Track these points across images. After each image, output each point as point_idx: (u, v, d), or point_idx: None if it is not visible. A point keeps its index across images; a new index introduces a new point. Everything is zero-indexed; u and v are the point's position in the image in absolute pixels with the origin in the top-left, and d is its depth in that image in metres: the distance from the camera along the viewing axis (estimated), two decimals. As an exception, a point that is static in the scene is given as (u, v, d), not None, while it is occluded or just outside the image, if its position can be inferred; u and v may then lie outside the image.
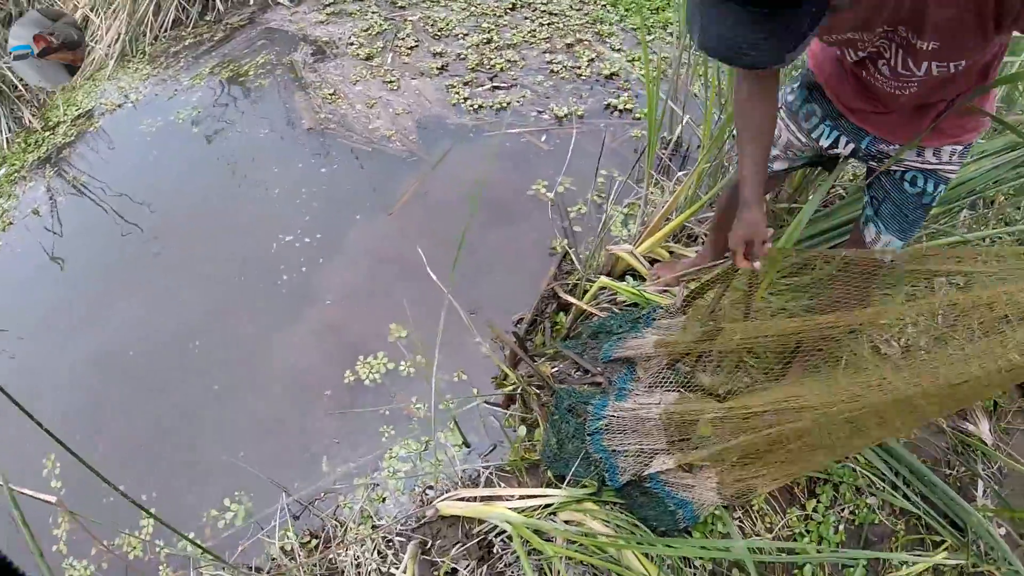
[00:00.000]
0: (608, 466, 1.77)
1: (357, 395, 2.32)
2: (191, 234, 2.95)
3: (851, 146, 1.68)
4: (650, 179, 2.52)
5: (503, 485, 1.95)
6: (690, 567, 1.75)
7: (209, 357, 2.51)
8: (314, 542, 1.99)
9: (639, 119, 3.27)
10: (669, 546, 1.61)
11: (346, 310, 2.58)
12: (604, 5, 4.07)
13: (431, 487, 2.06)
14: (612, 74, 3.52)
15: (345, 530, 1.98)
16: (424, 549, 1.88)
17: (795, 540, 1.83)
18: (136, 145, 3.47)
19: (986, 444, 2.18)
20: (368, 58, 3.69)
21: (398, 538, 1.92)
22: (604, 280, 2.22)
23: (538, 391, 2.03)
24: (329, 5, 4.21)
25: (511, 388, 2.15)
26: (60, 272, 2.97)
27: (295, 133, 3.31)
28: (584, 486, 1.79)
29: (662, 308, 2.08)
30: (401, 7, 4.07)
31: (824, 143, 1.71)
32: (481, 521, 1.85)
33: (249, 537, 2.04)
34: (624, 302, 2.29)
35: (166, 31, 4.32)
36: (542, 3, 4.07)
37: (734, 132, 1.99)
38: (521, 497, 1.81)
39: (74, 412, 2.45)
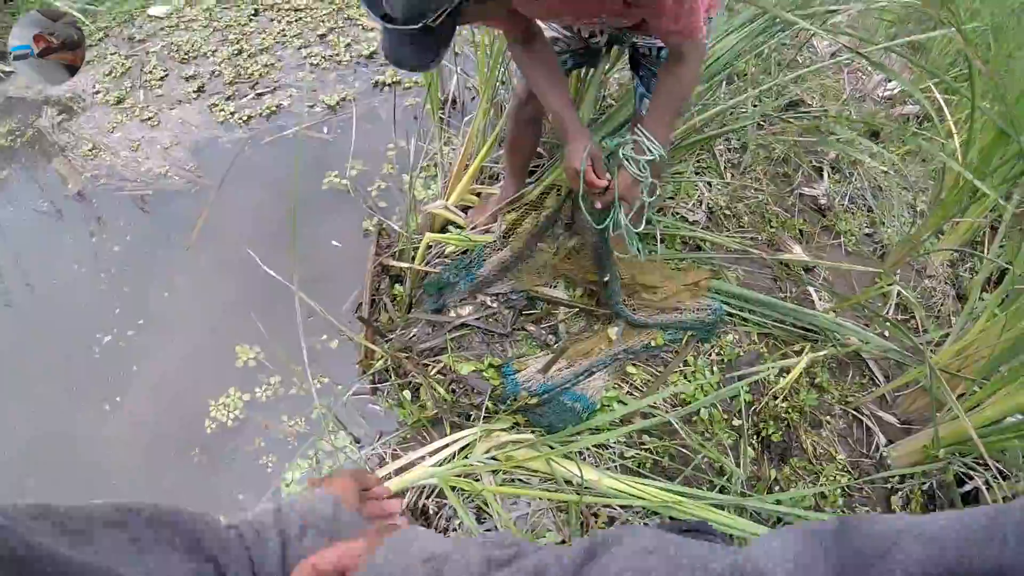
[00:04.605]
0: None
1: (225, 441, 1.98)
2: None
3: (605, 35, 1.66)
4: (440, 133, 2.36)
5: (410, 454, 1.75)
6: (607, 449, 1.68)
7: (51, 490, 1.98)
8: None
9: (409, 88, 3.10)
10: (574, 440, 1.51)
11: (185, 370, 2.17)
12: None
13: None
14: (371, 53, 3.28)
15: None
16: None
17: (683, 393, 1.81)
18: None
19: (805, 262, 2.29)
20: (119, 101, 3.15)
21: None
22: (429, 236, 2.04)
23: (406, 355, 1.83)
24: (61, 61, 3.56)
25: (380, 361, 1.92)
26: None
27: (67, 203, 2.75)
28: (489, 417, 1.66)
29: (487, 246, 1.96)
30: (140, 40, 3.51)
31: (584, 33, 1.67)
32: (406, 492, 1.65)
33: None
34: (454, 252, 2.13)
35: None
36: (284, 2, 3.69)
37: (515, 75, 1.91)
38: (434, 452, 1.64)
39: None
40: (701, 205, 2.36)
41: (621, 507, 1.57)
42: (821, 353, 1.97)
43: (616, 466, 1.64)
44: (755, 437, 1.87)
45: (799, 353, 2.05)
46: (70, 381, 2.18)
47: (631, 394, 1.79)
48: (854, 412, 2.06)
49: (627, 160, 1.44)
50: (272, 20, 3.57)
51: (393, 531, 0.62)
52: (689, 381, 1.84)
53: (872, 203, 2.74)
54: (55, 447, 2.06)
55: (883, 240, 2.63)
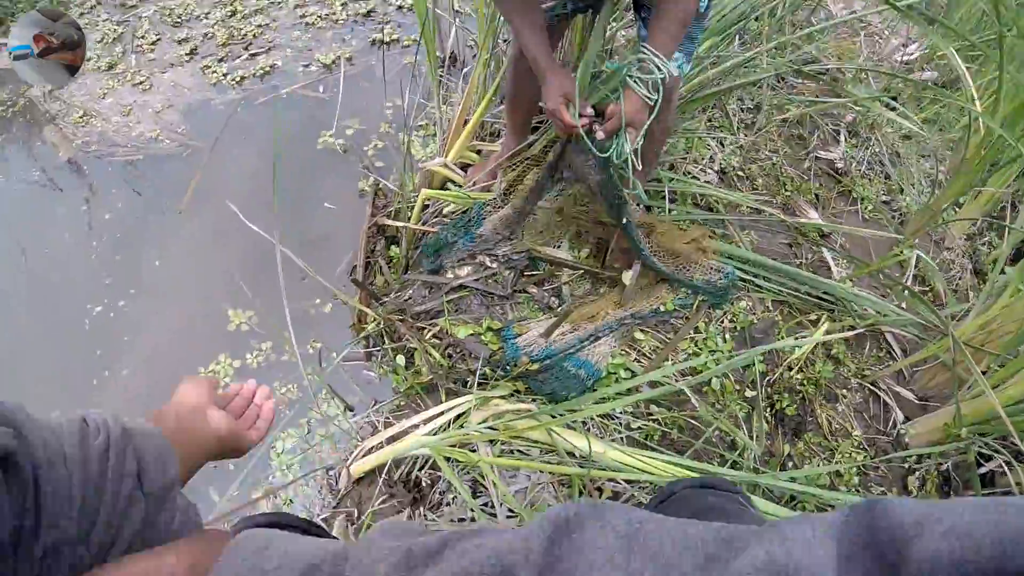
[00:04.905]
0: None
1: (214, 408, 1.86)
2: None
3: None
4: (438, 89, 2.20)
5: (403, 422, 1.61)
6: (613, 420, 1.54)
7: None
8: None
9: (408, 46, 2.92)
10: (577, 409, 1.37)
11: (176, 338, 2.04)
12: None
13: (331, 467, 1.68)
14: (369, 12, 3.10)
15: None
16: (352, 521, 1.53)
17: (693, 359, 1.67)
18: None
19: (821, 226, 2.15)
20: (111, 67, 2.99)
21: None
22: (427, 191, 1.89)
23: (400, 317, 1.70)
24: (52, 29, 3.39)
25: (373, 325, 1.79)
26: None
27: (58, 172, 2.60)
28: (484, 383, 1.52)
29: (487, 204, 1.81)
30: (132, 6, 3.32)
31: None
32: (398, 464, 1.52)
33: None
34: (453, 212, 1.99)
35: None
36: (279, -36, 3.51)
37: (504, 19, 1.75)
38: (428, 420, 1.49)
39: None
40: (714, 164, 2.20)
41: (627, 482, 1.44)
42: (839, 329, 1.82)
43: (622, 438, 1.51)
44: (768, 410, 1.74)
45: (815, 323, 1.91)
46: (60, 353, 2.07)
47: (639, 361, 1.65)
48: (871, 386, 1.93)
49: (635, 81, 1.29)
50: (268, -19, 3.39)
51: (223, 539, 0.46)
52: (700, 349, 1.70)
53: (890, 170, 2.58)
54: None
55: (901, 208, 2.47)
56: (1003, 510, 0.32)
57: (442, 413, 1.48)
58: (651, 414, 1.56)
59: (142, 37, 3.11)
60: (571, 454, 1.43)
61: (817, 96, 2.65)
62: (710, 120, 2.40)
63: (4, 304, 2.20)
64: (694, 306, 1.76)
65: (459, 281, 1.69)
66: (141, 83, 2.86)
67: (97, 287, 2.18)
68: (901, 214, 2.45)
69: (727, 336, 1.76)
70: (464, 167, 2.11)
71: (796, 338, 1.83)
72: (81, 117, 2.79)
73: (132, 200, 2.44)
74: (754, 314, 1.84)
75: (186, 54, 2.95)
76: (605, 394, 1.52)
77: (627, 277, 1.70)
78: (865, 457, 1.78)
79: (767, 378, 1.74)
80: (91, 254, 2.30)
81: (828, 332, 1.86)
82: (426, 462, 1.47)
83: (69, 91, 2.95)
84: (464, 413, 1.46)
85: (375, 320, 1.71)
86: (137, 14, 3.27)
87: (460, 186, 2.00)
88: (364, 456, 1.52)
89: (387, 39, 2.89)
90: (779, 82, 2.69)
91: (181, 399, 0.70)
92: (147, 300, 2.14)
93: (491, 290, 1.70)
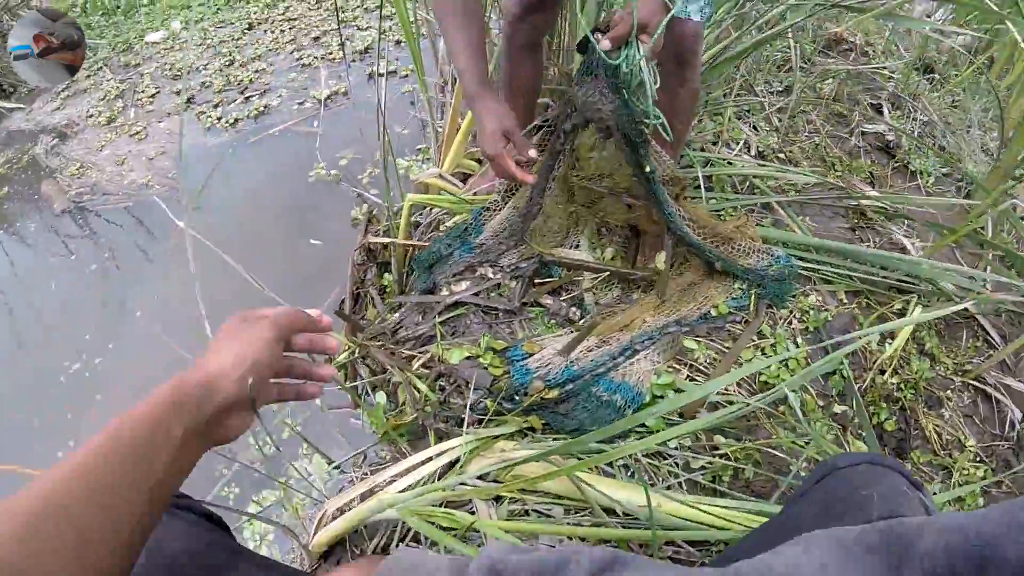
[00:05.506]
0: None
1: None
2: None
3: None
4: (426, 94, 1.83)
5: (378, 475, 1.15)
6: (665, 460, 1.06)
7: None
8: None
9: (406, 76, 2.60)
10: (615, 446, 0.88)
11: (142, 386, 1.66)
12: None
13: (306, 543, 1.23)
14: (366, 48, 2.81)
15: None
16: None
17: (761, 373, 1.18)
18: None
19: (886, 202, 1.67)
20: (110, 121, 2.74)
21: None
22: (412, 196, 1.47)
23: (380, 344, 1.25)
24: (64, 90, 3.16)
25: (346, 354, 1.34)
26: None
27: (52, 224, 2.32)
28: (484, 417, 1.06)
29: (486, 208, 1.40)
30: (135, 65, 3.12)
31: None
32: (371, 533, 1.06)
33: None
34: (451, 227, 1.57)
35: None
36: (279, 15, 3.27)
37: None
38: (409, 470, 1.02)
39: None
40: (749, 150, 1.75)
41: (691, 544, 0.96)
42: (934, 314, 1.31)
43: (680, 483, 1.03)
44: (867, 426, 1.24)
45: (900, 313, 1.42)
46: (32, 415, 1.70)
47: (693, 378, 1.17)
48: (975, 383, 1.42)
49: None
50: (266, 32, 3.15)
51: None
52: (768, 356, 1.21)
53: (943, 140, 2.09)
54: (10, 487, 1.55)
55: (965, 177, 1.98)
56: (988, 510, 0.35)
57: (429, 459, 1.02)
58: (715, 447, 1.07)
59: (142, 91, 2.87)
60: (610, 511, 0.95)
61: (850, 71, 2.20)
62: (736, 101, 1.96)
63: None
64: (751, 306, 1.29)
65: (455, 298, 1.25)
66: (137, 133, 2.59)
67: (77, 342, 1.83)
68: (967, 183, 1.95)
69: (798, 340, 1.27)
70: (465, 178, 1.72)
71: (879, 335, 1.33)
72: (78, 169, 2.54)
73: (117, 249, 2.12)
74: (827, 310, 1.35)
75: (183, 103, 2.68)
76: (652, 424, 1.05)
77: (660, 260, 1.25)
78: (986, 472, 1.27)
79: (856, 386, 1.25)
80: (73, 307, 1.98)
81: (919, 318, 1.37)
82: (408, 530, 1.01)
83: (70, 147, 2.72)
84: (457, 461, 1.00)
85: (349, 347, 1.27)
86: (139, 71, 3.05)
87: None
88: (330, 521, 1.07)
89: (384, 71, 2.57)
90: (806, 63, 2.25)
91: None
92: (124, 356, 1.79)
93: (494, 305, 1.25)
